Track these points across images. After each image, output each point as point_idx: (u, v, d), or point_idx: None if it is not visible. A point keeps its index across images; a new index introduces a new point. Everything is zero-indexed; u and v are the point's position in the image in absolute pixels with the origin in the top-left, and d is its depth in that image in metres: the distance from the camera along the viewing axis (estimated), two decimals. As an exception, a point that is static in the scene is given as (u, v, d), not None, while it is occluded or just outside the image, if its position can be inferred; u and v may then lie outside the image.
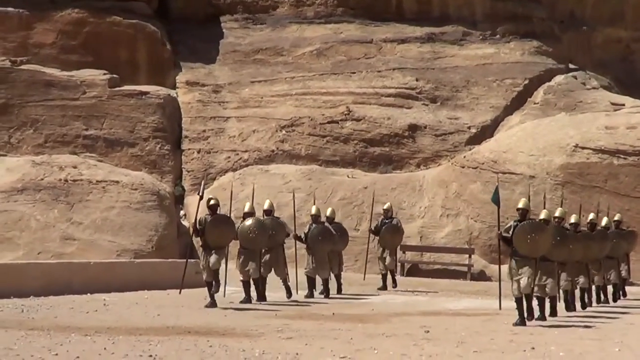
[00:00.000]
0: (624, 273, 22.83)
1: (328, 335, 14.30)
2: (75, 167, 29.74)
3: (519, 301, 16.53)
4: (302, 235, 21.82)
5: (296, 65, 34.36)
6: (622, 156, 28.97)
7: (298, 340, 13.44)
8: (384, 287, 24.16)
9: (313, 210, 22.30)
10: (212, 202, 19.03)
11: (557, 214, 18.80)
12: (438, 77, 33.57)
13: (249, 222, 19.54)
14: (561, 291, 18.86)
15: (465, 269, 28.50)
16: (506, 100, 33.09)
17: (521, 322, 16.34)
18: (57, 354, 11.36)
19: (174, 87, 33.83)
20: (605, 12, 36.32)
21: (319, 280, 21.87)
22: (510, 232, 16.68)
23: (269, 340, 13.40)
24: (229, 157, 32.42)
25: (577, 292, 19.67)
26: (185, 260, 20.66)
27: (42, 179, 29.44)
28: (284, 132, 32.55)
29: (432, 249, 29.12)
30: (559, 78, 33.66)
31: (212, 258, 18.44)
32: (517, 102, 33.15)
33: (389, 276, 24.50)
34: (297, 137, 32.45)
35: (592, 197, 27.06)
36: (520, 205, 17.06)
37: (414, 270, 29.19)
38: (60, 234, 28.26)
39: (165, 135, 32.53)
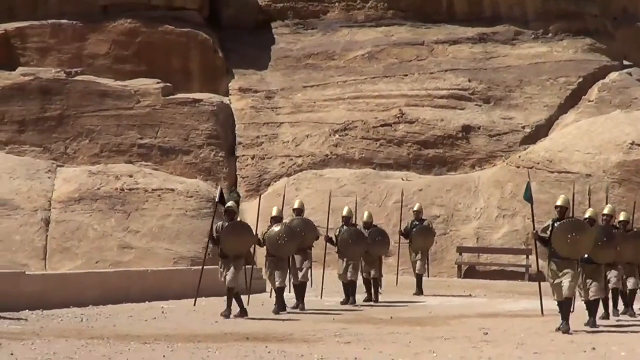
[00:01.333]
0: None
1: (386, 339, 14.27)
2: (131, 176, 30.00)
3: (562, 305, 15.42)
4: (334, 238, 20.94)
5: (348, 69, 34.36)
6: (679, 152, 28.61)
7: (357, 345, 13.43)
8: (419, 292, 23.40)
9: (345, 212, 21.25)
10: (229, 207, 18.04)
11: (605, 211, 17.65)
12: (491, 78, 33.38)
13: (277, 228, 18.69)
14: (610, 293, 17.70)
15: (523, 269, 28.30)
16: (560, 99, 32.82)
17: (565, 327, 15.24)
18: (117, 363, 11.45)
19: (227, 94, 33.99)
20: (660, 7, 35.91)
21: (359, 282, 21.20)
22: (549, 232, 15.56)
23: (328, 345, 13.40)
24: (284, 162, 32.49)
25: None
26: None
27: (98, 189, 29.74)
28: (337, 136, 32.55)
29: (489, 250, 28.95)
30: (613, 75, 33.32)
31: (229, 275, 17.33)
32: (572, 101, 32.86)
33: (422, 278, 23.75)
34: (350, 141, 32.44)
35: (650, 194, 26.70)
36: (559, 203, 15.85)
37: (471, 272, 29.04)
38: (117, 242, 28.52)
39: (219, 143, 32.68)
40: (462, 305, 20.64)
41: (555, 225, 15.46)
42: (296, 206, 20.29)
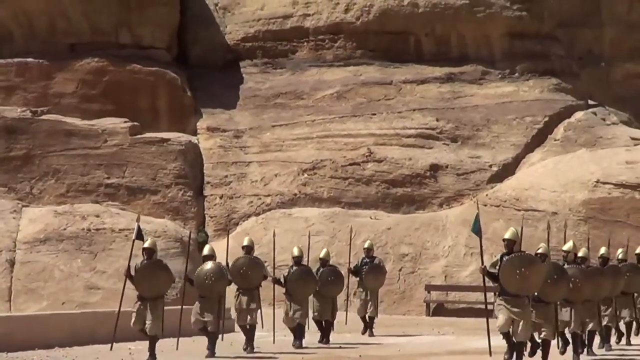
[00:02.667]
0: None
1: (354, 378, 14.21)
2: (97, 216, 29.75)
3: (506, 336, 14.70)
4: (282, 279, 19.89)
5: (316, 108, 34.46)
6: (644, 190, 28.85)
7: (324, 384, 13.35)
8: (365, 331, 22.59)
9: (295, 252, 20.18)
10: (146, 245, 17.21)
11: (564, 247, 16.99)
12: (458, 117, 33.57)
13: (208, 266, 17.78)
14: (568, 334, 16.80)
15: (491, 307, 28.25)
16: (527, 138, 33.04)
17: (510, 356, 14.63)
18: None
19: (195, 133, 33.97)
20: (624, 48, 36.31)
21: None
22: (497, 267, 14.73)
23: (295, 385, 13.32)
24: (252, 201, 32.47)
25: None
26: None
27: (64, 229, 29.49)
28: (306, 175, 32.59)
29: (457, 287, 28.97)
30: (578, 114, 33.61)
31: (148, 322, 16.64)
32: (538, 140, 33.09)
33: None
34: (319, 180, 32.48)
35: (615, 232, 26.86)
36: (506, 236, 14.96)
37: (440, 310, 29.04)
38: (84, 283, 28.25)
39: (187, 182, 32.62)
40: (431, 343, 20.60)
41: (504, 259, 14.66)
42: (245, 243, 19.25)
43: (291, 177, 32.62)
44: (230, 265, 18.39)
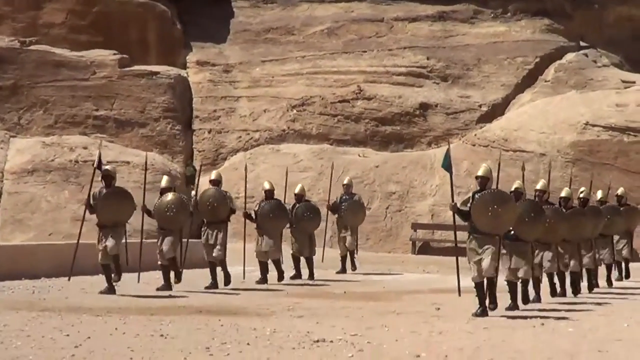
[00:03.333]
0: (625, 252, 20.88)
1: (339, 313, 14.32)
2: (85, 148, 29.76)
3: (479, 287, 13.94)
4: (252, 213, 19.55)
5: (307, 44, 34.29)
6: (632, 133, 28.92)
7: (309, 319, 13.45)
8: (342, 270, 22.21)
9: (266, 186, 19.86)
10: (106, 172, 16.79)
11: (538, 186, 16.48)
12: (449, 56, 33.46)
13: (168, 197, 17.28)
14: (544, 275, 16.47)
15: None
16: (517, 79, 32.98)
17: (482, 312, 13.86)
18: (68, 335, 11.38)
19: (184, 67, 33.80)
20: (618, -11, 36.11)
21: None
22: (469, 205, 14.04)
23: (280, 319, 13.42)
24: (240, 137, 32.40)
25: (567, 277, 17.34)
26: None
27: (52, 160, 29.47)
28: (295, 111, 32.51)
29: (444, 227, 29.06)
30: (570, 56, 33.53)
31: (109, 242, 16.43)
32: (528, 80, 33.04)
33: (348, 257, 22.42)
34: (308, 116, 32.41)
35: (602, 174, 26.94)
36: (479, 173, 14.34)
37: (425, 248, 29.19)
38: (71, 214, 28.27)
39: (175, 116, 32.52)
40: (416, 281, 20.74)
41: (476, 196, 14.03)
42: (212, 177, 18.74)
43: (280, 112, 32.55)
44: (175, 196, 17.49)
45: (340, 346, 10.71)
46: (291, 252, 20.67)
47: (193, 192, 18.90)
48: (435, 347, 10.73)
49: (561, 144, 28.95)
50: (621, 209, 20.63)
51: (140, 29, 33.50)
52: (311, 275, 20.53)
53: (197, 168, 31.43)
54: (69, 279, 17.88)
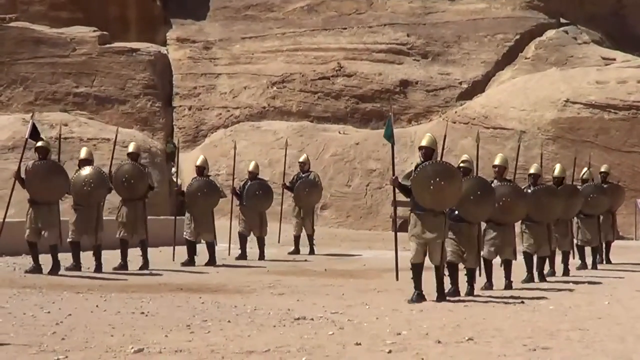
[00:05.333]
0: (607, 234, 19.63)
1: (320, 291, 14.36)
2: (65, 125, 29.62)
3: (417, 269, 12.80)
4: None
5: (287, 21, 34.23)
6: (612, 111, 29.00)
7: (290, 296, 13.50)
8: (296, 251, 21.07)
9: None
10: (43, 143, 15.62)
11: (496, 162, 14.87)
12: (429, 33, 33.47)
13: (85, 171, 15.98)
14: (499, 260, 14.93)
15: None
16: (497, 56, 33.04)
17: (418, 296, 12.70)
18: (49, 312, 11.39)
19: (164, 43, 33.72)
20: (597, -34, 36.16)
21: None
22: (411, 180, 12.65)
23: (261, 297, 13.46)
24: (220, 113, 32.37)
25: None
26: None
27: (33, 137, 29.32)
28: (275, 88, 32.48)
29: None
30: (550, 33, 33.59)
31: (47, 232, 15.47)
32: (509, 57, 33.10)
33: (307, 241, 21.33)
34: (288, 93, 32.39)
35: (582, 151, 27.03)
36: (423, 143, 12.87)
37: (406, 226, 29.14)
38: (51, 191, 28.18)
39: (156, 93, 32.45)
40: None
41: (418, 168, 12.64)
42: (130, 150, 17.54)
43: (260, 90, 32.52)
44: (93, 170, 16.27)
45: (321, 324, 10.76)
46: (238, 230, 20.02)
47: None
48: (416, 324, 10.79)
49: (542, 121, 29.03)
50: (605, 186, 19.53)
51: (120, 5, 33.39)
52: (261, 256, 19.84)
53: (177, 145, 31.50)
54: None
